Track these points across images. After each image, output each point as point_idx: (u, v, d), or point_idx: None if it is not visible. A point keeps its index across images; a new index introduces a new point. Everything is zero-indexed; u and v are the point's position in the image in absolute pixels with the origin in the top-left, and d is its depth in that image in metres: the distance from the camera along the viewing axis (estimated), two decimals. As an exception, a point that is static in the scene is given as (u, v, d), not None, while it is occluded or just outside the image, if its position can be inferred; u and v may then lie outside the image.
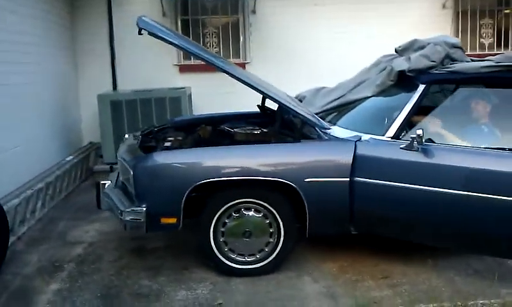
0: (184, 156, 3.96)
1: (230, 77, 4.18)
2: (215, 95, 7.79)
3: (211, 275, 4.07)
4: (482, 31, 8.26)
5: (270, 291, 3.83)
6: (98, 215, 5.55)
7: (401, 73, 4.28)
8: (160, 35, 4.02)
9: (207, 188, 3.88)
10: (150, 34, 4.05)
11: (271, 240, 4.05)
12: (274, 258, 4.06)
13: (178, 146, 4.46)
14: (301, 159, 3.93)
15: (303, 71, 7.93)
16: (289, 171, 3.89)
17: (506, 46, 8.20)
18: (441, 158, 3.68)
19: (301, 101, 5.29)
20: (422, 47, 4.43)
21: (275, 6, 7.94)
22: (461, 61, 4.30)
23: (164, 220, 3.93)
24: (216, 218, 3.97)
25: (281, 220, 4.01)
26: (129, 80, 7.83)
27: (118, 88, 7.86)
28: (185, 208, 3.85)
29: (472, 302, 3.55)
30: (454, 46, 4.35)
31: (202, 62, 4.27)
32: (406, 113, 3.98)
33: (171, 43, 4.10)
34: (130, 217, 3.88)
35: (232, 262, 4.05)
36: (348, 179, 3.86)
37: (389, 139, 3.92)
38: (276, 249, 4.05)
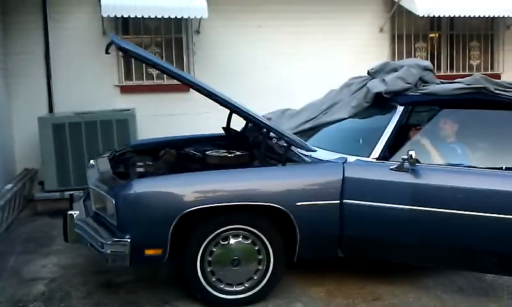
0: (171, 182, 3.74)
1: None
2: (159, 117, 7.54)
3: (200, 308, 3.86)
4: (417, 53, 8.61)
5: (264, 321, 3.69)
6: (51, 247, 5.19)
7: (377, 95, 4.33)
8: (143, 55, 3.80)
9: (194, 216, 3.68)
10: (125, 52, 3.82)
11: (260, 267, 3.90)
12: (263, 286, 3.91)
13: (153, 171, 4.22)
14: (292, 183, 3.84)
15: (248, 91, 7.80)
16: (280, 195, 3.78)
17: (439, 68, 8.60)
18: (433, 178, 3.74)
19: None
20: (394, 69, 4.53)
21: (219, 25, 7.84)
22: (432, 83, 4.43)
23: (149, 252, 3.68)
24: (203, 246, 3.77)
25: (271, 246, 3.88)
26: (66, 102, 7.37)
27: (55, 110, 7.39)
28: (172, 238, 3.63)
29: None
30: (426, 68, 4.48)
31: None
32: (389, 134, 4.01)
33: (154, 64, 3.87)
34: (113, 250, 3.60)
35: (219, 293, 3.85)
36: (338, 201, 3.82)
37: (374, 160, 3.92)
38: (265, 276, 3.91)
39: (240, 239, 3.85)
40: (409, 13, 8.08)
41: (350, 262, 4.44)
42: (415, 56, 8.54)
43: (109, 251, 3.60)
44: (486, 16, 7.91)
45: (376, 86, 4.36)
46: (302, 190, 3.82)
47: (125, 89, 7.71)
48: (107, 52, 4.36)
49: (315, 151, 4.06)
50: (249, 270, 3.89)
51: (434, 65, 8.48)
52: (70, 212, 4.16)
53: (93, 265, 4.63)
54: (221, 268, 3.84)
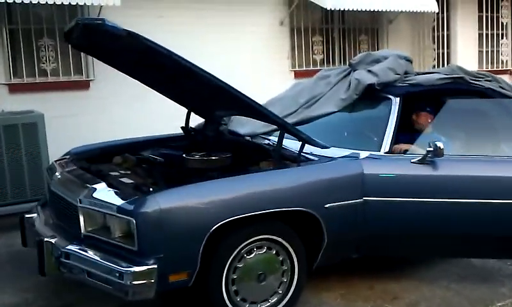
0: (198, 192, 3.19)
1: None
2: (58, 119, 6.55)
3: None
4: (314, 47, 8.71)
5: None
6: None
7: (368, 87, 4.20)
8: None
9: (220, 230, 3.20)
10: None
11: (284, 279, 3.54)
12: (288, 299, 3.55)
13: (142, 182, 3.60)
14: (317, 184, 3.53)
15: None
16: (309, 198, 3.46)
17: (333, 61, 8.81)
18: (457, 169, 3.70)
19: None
20: (376, 61, 4.44)
21: (120, 15, 7.02)
22: (412, 74, 4.43)
23: (174, 278, 3.12)
24: (228, 263, 3.30)
25: (296, 256, 3.54)
26: None
27: None
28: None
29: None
30: (406, 59, 4.46)
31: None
32: (393, 127, 3.91)
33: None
34: (137, 280, 2.97)
35: (245, 313, 3.43)
36: (361, 200, 3.62)
37: (386, 154, 3.79)
38: (290, 288, 3.55)
39: (265, 250, 3.45)
40: (308, 6, 8.14)
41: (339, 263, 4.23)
42: (312, 50, 8.64)
43: (131, 282, 2.96)
44: (372, 10, 8.24)
45: (367, 77, 4.22)
46: (328, 191, 3.54)
47: (14, 89, 6.59)
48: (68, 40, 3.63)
49: (329, 148, 3.78)
50: (274, 284, 3.51)
51: (328, 58, 8.84)
52: (46, 239, 3.36)
53: (52, 298, 3.83)
54: (245, 285, 3.40)
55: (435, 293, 3.92)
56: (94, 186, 3.38)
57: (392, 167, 3.71)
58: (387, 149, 3.80)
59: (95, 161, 4.19)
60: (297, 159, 3.67)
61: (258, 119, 4.09)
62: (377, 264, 4.28)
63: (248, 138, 4.47)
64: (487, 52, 10.42)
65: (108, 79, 6.98)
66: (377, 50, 9.24)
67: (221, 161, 4.01)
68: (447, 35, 9.94)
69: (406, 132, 4.17)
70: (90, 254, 3.18)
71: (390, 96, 4.08)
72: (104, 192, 3.31)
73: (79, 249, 3.24)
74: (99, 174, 3.70)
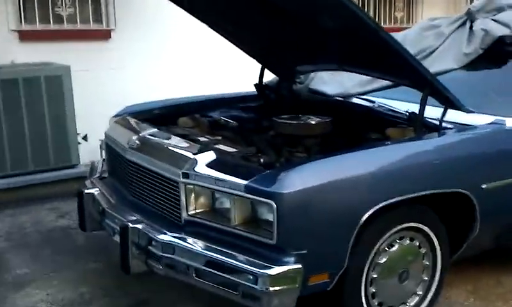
0: (350, 165, 2.41)
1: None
2: (80, 73, 5.59)
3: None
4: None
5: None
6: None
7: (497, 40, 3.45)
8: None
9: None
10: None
11: (425, 277, 2.82)
12: (429, 302, 2.84)
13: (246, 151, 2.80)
14: (472, 159, 2.78)
15: (184, 40, 6.36)
16: (467, 177, 2.73)
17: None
18: None
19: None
20: (498, 9, 3.68)
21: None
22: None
23: (314, 280, 2.35)
24: (370, 258, 2.56)
25: (440, 248, 2.81)
26: None
27: None
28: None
29: None
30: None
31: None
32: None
33: None
34: (278, 287, 2.19)
35: (381, 321, 2.70)
36: (517, 179, 2.90)
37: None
38: (430, 288, 2.84)
39: (407, 242, 2.71)
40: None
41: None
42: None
43: (267, 288, 2.18)
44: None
45: (496, 28, 3.45)
46: (485, 168, 2.81)
47: (25, 36, 5.59)
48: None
49: (474, 112, 3.03)
50: (414, 283, 2.78)
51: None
52: (132, 225, 2.54)
53: (116, 293, 3.03)
54: (385, 286, 2.66)
55: None
56: (197, 156, 2.54)
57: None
58: (537, 118, 3.08)
59: (158, 123, 3.35)
60: (439, 128, 2.90)
61: (372, 75, 3.30)
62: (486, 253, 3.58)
63: (340, 99, 3.70)
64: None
65: (130, 29, 6.11)
66: (411, 9, 8.59)
67: (322, 127, 3.21)
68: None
69: None
70: (200, 246, 2.38)
71: (528, 53, 3.34)
72: (212, 163, 2.49)
73: (182, 238, 2.43)
74: (188, 139, 2.88)
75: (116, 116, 3.61)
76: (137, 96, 4.12)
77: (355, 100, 3.68)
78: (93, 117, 4.71)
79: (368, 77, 3.53)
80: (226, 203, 2.38)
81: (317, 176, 2.29)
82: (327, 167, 2.37)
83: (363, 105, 3.54)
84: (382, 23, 8.07)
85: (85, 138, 5.28)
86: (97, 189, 3.07)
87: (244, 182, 2.29)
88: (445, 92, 2.84)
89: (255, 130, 3.40)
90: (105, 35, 6.05)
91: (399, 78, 3.16)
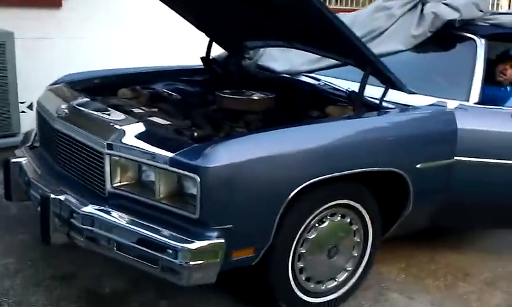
0: (282, 141, 2.38)
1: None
2: (28, 42, 5.40)
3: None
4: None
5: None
6: None
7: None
8: None
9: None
10: None
11: (355, 253, 2.83)
12: (358, 277, 2.87)
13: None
14: (410, 138, 2.79)
15: (142, 12, 6.20)
16: (402, 156, 2.73)
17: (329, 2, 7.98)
18: None
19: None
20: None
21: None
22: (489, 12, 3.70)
23: (238, 255, 2.32)
24: (299, 234, 2.54)
25: (372, 225, 2.82)
26: None
27: None
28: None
29: None
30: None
31: None
32: (481, 73, 3.19)
33: None
34: (199, 261, 2.16)
35: (309, 296, 2.70)
36: (453, 160, 2.92)
37: (478, 105, 3.09)
38: (359, 265, 2.86)
39: (339, 219, 2.71)
40: None
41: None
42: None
43: (188, 263, 2.15)
44: None
45: (446, 11, 3.42)
46: (421, 147, 2.82)
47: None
48: None
49: (416, 93, 3.02)
50: (343, 259, 2.79)
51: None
52: (54, 196, 2.46)
53: (41, 265, 2.97)
54: (313, 261, 2.66)
55: (509, 269, 3.35)
56: (125, 127, 2.47)
57: (488, 122, 3.03)
58: (477, 100, 3.10)
59: (96, 93, 3.26)
60: (379, 107, 2.89)
61: (318, 52, 3.26)
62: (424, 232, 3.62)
63: (286, 76, 3.66)
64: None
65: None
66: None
67: (265, 103, 3.17)
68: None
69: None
70: (122, 219, 2.32)
71: (474, 37, 3.33)
72: (140, 135, 2.43)
73: (104, 211, 2.36)
74: (119, 110, 2.79)
75: (53, 84, 3.49)
76: (90, 67, 3.99)
77: (302, 78, 3.64)
78: (42, 86, 4.57)
79: (317, 56, 3.50)
80: (152, 176, 2.32)
81: (245, 151, 2.25)
82: (256, 142, 2.33)
83: (307, 83, 3.51)
84: (346, 5, 8.05)
85: (30, 107, 5.12)
86: (25, 158, 2.97)
87: (170, 155, 2.24)
88: (386, 72, 2.83)
89: (196, 104, 3.34)
90: (56, 2, 5.84)
91: (342, 57, 3.13)
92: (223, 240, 2.19)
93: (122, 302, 2.73)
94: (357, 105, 2.83)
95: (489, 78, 3.69)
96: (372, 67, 2.78)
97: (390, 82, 2.85)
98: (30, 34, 5.43)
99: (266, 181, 2.28)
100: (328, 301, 2.76)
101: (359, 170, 2.56)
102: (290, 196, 2.32)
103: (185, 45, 5.99)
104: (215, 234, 2.20)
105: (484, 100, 3.45)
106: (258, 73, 3.78)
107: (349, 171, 2.50)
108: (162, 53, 5.97)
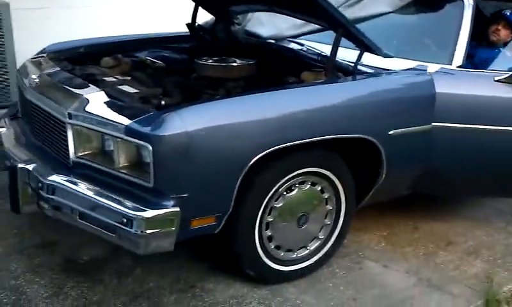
0: (237, 109, 2.36)
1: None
2: (26, 12, 5.43)
3: (247, 289, 2.65)
4: None
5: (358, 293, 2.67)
6: None
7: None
8: None
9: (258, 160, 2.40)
10: None
11: (328, 221, 2.81)
12: (331, 246, 2.85)
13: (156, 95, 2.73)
14: (382, 104, 2.72)
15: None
16: (373, 122, 2.67)
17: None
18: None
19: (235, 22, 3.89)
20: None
21: None
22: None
23: (197, 223, 2.34)
24: (265, 202, 2.53)
25: (344, 193, 2.79)
26: None
27: None
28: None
29: None
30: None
31: None
32: (466, 35, 3.08)
33: None
34: (152, 227, 2.18)
35: (278, 264, 2.70)
36: (430, 126, 2.85)
37: (460, 69, 3.00)
38: (333, 233, 2.84)
39: (308, 187, 2.68)
40: None
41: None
42: None
43: (143, 231, 2.17)
44: None
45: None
46: (394, 113, 2.76)
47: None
48: None
49: (393, 57, 2.94)
50: (315, 227, 2.78)
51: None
52: (21, 165, 2.51)
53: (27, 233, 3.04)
54: (282, 230, 2.66)
55: (494, 238, 3.29)
56: (88, 96, 2.48)
57: (470, 86, 2.94)
58: (460, 63, 3.01)
59: (79, 62, 3.27)
60: (354, 71, 2.82)
61: (296, 16, 3.19)
62: (411, 199, 3.57)
63: (271, 41, 3.61)
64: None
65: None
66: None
67: (245, 69, 3.12)
68: None
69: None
70: (83, 188, 2.35)
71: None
72: (103, 104, 2.44)
73: (68, 180, 2.39)
74: (91, 79, 2.80)
75: (39, 53, 3.51)
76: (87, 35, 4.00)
77: (286, 44, 3.58)
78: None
79: (302, 21, 3.43)
80: (111, 145, 2.34)
81: (201, 119, 2.24)
82: (213, 110, 2.31)
83: (290, 48, 3.45)
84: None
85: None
86: (5, 129, 3.02)
87: (125, 123, 2.24)
88: (360, 35, 2.76)
89: (177, 72, 3.32)
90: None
91: (317, 20, 3.06)
92: (177, 209, 2.20)
93: (97, 270, 2.78)
94: (329, 69, 2.77)
95: (486, 39, 3.61)
96: (344, 29, 2.72)
97: (363, 45, 2.78)
98: (26, 4, 5.47)
99: (224, 150, 2.27)
100: (298, 269, 2.76)
101: (326, 137, 2.51)
102: (249, 165, 2.30)
103: (174, 11, 5.93)
104: (171, 202, 2.20)
105: (477, 62, 3.38)
106: (245, 39, 3.73)
107: (312, 139, 2.46)
108: (151, 19, 5.90)
